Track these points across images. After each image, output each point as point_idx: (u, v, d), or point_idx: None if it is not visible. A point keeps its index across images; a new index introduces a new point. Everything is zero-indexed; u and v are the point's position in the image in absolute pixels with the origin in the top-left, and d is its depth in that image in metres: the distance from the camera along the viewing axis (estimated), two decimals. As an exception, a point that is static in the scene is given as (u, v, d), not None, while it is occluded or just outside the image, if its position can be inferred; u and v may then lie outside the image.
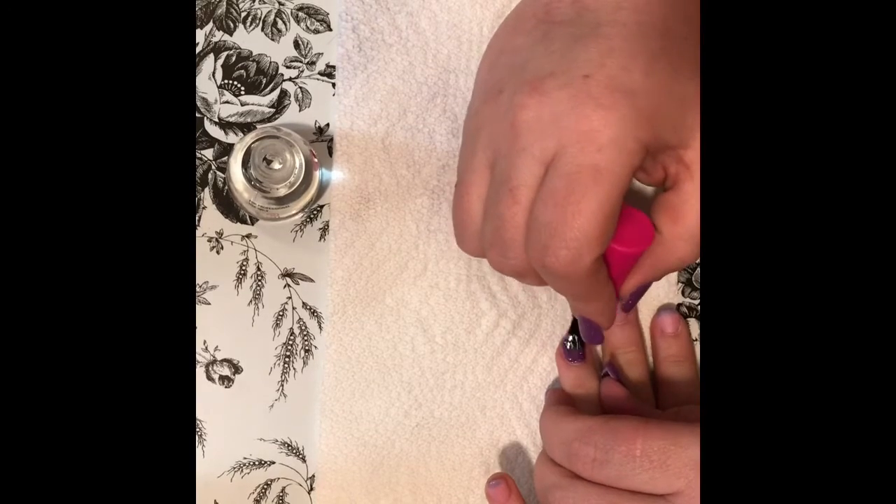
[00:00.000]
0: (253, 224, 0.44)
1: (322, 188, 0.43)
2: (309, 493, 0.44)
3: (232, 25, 0.43)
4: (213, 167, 0.43)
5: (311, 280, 0.44)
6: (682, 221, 0.37)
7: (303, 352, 0.44)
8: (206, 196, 0.43)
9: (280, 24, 0.44)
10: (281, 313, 0.44)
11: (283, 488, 0.44)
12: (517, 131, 0.34)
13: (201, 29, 0.43)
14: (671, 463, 0.36)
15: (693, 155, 0.35)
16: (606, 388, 0.43)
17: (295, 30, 0.44)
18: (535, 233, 0.34)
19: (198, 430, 0.43)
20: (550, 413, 0.41)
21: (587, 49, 0.34)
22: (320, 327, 0.44)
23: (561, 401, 0.43)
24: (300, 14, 0.44)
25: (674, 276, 0.46)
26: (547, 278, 0.36)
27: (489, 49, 0.39)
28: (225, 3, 0.43)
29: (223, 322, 0.44)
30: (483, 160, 0.36)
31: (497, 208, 0.35)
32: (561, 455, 0.39)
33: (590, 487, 0.38)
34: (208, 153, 0.43)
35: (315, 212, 0.44)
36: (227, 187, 0.43)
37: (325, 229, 0.44)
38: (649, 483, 0.36)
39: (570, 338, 0.43)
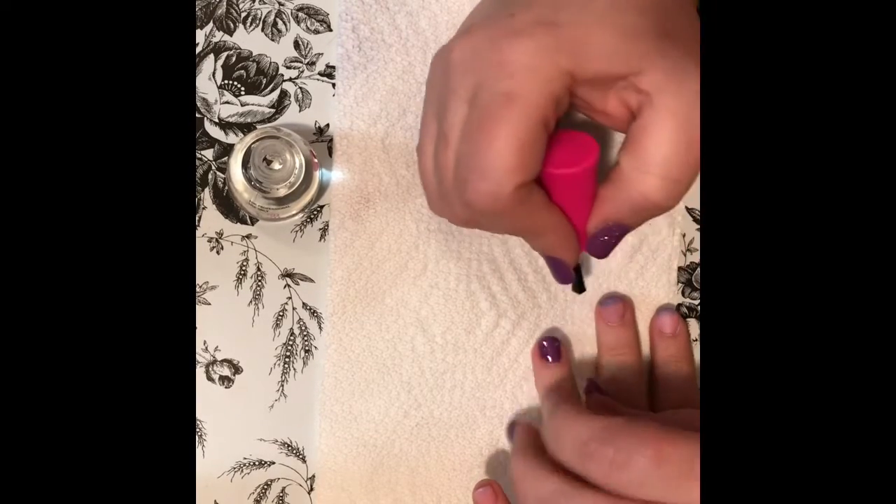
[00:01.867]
0: (253, 224, 0.44)
1: (322, 188, 0.43)
2: (309, 494, 0.44)
3: (232, 26, 0.43)
4: (213, 167, 0.43)
5: (311, 280, 0.44)
6: (642, 152, 0.34)
7: (303, 352, 0.44)
8: (206, 196, 0.43)
9: (280, 25, 0.44)
10: (281, 313, 0.44)
11: (283, 488, 0.44)
12: (448, 75, 0.34)
13: (201, 29, 0.43)
14: (695, 474, 0.32)
15: (650, 80, 0.33)
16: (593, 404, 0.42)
17: (295, 30, 0.44)
18: (457, 169, 0.34)
19: (198, 430, 0.43)
20: (563, 411, 0.38)
21: None
22: (320, 327, 0.44)
23: (571, 400, 0.40)
24: (300, 14, 0.44)
25: (674, 276, 0.46)
26: (480, 218, 0.35)
27: None
28: (225, 4, 0.43)
29: (223, 322, 0.44)
30: (431, 113, 0.36)
31: (437, 157, 0.35)
32: (572, 455, 0.36)
33: (598, 497, 0.34)
34: (208, 153, 0.43)
35: (315, 212, 0.44)
36: (227, 188, 0.43)
37: (325, 230, 0.44)
38: (670, 493, 0.33)
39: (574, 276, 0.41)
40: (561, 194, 0.36)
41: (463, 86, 0.34)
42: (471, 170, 0.33)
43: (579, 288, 0.42)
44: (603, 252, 0.38)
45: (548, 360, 0.44)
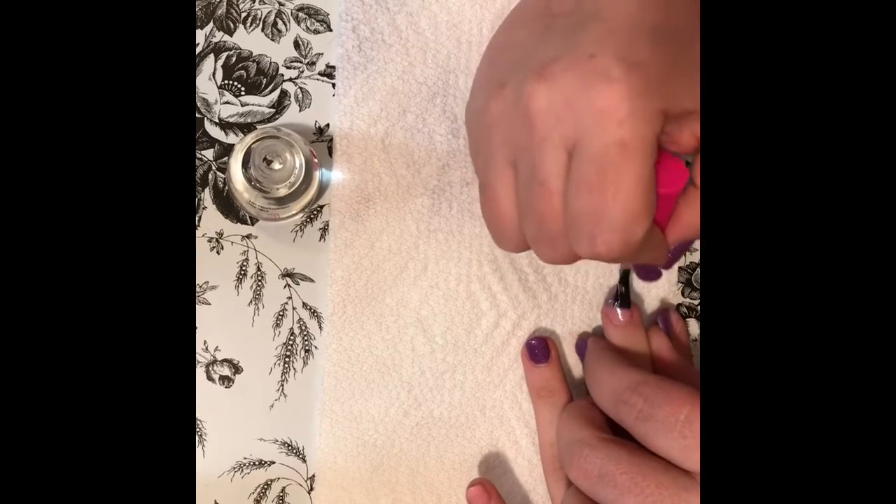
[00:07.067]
0: (253, 224, 0.44)
1: (322, 188, 0.43)
2: (309, 493, 0.44)
3: (232, 26, 0.43)
4: (214, 167, 0.43)
5: (312, 280, 0.44)
6: None
7: (303, 352, 0.44)
8: (206, 196, 0.43)
9: (280, 25, 0.44)
10: (281, 313, 0.44)
11: (284, 488, 0.44)
12: (532, 123, 0.34)
13: (201, 29, 0.43)
14: None
15: None
16: (655, 341, 0.44)
17: (295, 30, 0.44)
18: (577, 224, 0.34)
19: (198, 430, 0.43)
20: (606, 360, 0.41)
21: (589, 32, 0.33)
22: (320, 327, 0.44)
23: (612, 349, 0.43)
24: (300, 14, 0.44)
25: (674, 276, 0.46)
26: (602, 261, 0.35)
27: (489, 47, 0.39)
28: (225, 4, 0.43)
29: (223, 322, 0.44)
30: (502, 159, 0.36)
31: (533, 205, 0.35)
32: (609, 402, 0.39)
33: (622, 451, 0.37)
34: (208, 153, 0.43)
35: (315, 212, 0.44)
36: (227, 188, 0.43)
37: (325, 229, 0.44)
38: (683, 451, 0.36)
39: (621, 289, 0.44)
40: (657, 213, 0.36)
41: (557, 134, 0.33)
42: (598, 224, 0.33)
43: (627, 302, 0.44)
44: (671, 265, 0.41)
45: (536, 361, 0.44)
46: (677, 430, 0.36)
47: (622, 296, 0.44)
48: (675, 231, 0.38)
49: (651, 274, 0.41)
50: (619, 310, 0.43)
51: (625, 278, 0.44)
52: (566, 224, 0.34)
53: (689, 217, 0.38)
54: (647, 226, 0.33)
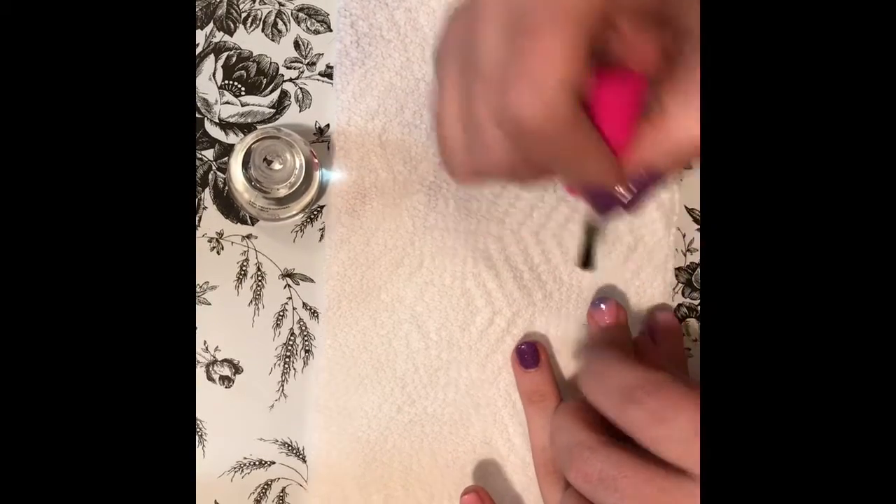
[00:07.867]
0: (253, 224, 0.44)
1: (322, 189, 0.43)
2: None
3: (232, 26, 0.44)
4: (214, 168, 0.44)
5: (311, 280, 0.44)
6: (693, 87, 0.30)
7: (303, 352, 0.44)
8: (206, 196, 0.43)
9: (280, 25, 0.44)
10: (281, 313, 0.44)
11: (284, 488, 0.44)
12: (475, 16, 0.31)
13: (202, 29, 0.43)
14: None
15: (695, 19, 0.30)
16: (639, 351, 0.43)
17: (295, 30, 0.44)
18: (498, 79, 0.30)
19: (198, 430, 0.43)
20: (608, 355, 0.38)
21: None
22: (320, 327, 0.44)
23: (616, 348, 0.40)
24: (300, 15, 0.44)
25: (670, 276, 0.46)
26: (520, 139, 0.31)
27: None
28: (225, 4, 0.43)
29: (223, 322, 0.44)
30: (452, 78, 0.33)
31: (469, 93, 0.32)
32: (616, 398, 0.36)
33: (622, 454, 0.36)
34: (209, 154, 0.44)
35: (315, 212, 0.44)
36: (227, 188, 0.43)
37: (325, 230, 0.44)
38: (686, 455, 0.34)
39: (584, 248, 0.38)
40: (599, 117, 0.32)
41: (496, 12, 0.30)
42: (516, 77, 0.29)
43: (589, 262, 0.38)
44: (635, 204, 0.34)
45: (525, 366, 0.44)
46: (682, 432, 0.34)
47: (586, 255, 0.38)
48: (636, 153, 0.33)
49: (609, 206, 0.35)
50: (602, 306, 0.43)
51: (589, 234, 0.38)
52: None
53: (651, 138, 0.33)
54: (571, 91, 0.29)
